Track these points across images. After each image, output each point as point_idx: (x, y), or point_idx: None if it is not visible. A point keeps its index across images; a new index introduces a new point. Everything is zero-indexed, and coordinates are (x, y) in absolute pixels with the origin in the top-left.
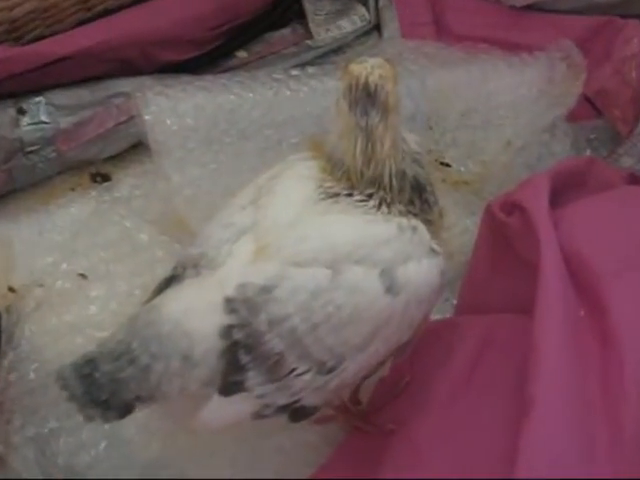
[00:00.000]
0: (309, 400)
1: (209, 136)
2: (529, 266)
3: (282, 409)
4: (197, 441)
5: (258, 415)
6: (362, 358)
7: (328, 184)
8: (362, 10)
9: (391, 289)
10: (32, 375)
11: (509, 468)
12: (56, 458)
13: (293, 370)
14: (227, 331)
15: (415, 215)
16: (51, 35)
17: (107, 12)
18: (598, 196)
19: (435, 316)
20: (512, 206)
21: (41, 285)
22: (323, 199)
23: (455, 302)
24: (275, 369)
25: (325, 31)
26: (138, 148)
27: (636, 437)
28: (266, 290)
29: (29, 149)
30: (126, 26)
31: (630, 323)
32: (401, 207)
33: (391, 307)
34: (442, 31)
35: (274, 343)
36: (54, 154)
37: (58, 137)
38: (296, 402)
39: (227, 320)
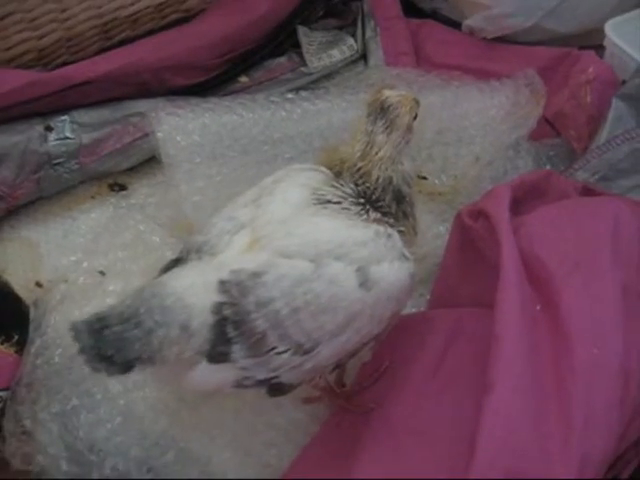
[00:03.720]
0: (286, 377)
1: (214, 151)
2: (492, 266)
3: (261, 382)
4: (200, 417)
5: (239, 384)
6: (335, 345)
7: (321, 192)
8: (351, 41)
9: (364, 284)
10: (56, 359)
11: (472, 441)
12: (77, 432)
13: (273, 348)
14: (218, 307)
15: (391, 225)
16: (75, 61)
17: (125, 41)
18: (554, 205)
19: (411, 310)
20: (478, 213)
21: (65, 281)
22: (315, 204)
23: (428, 297)
24: (257, 346)
25: (317, 59)
26: (151, 161)
27: (584, 415)
28: (256, 275)
29: (55, 161)
30: (142, 53)
31: (579, 317)
32: (379, 215)
33: (363, 301)
34: (422, 60)
35: (259, 322)
36: (77, 166)
37: (81, 151)
38: (274, 378)
39: (219, 298)
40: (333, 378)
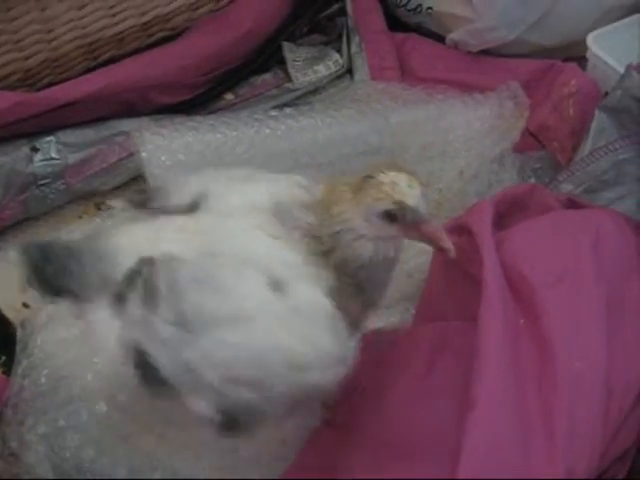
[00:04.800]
0: (163, 359)
1: (198, 170)
2: (475, 281)
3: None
4: (186, 436)
5: (126, 346)
6: (218, 340)
7: (286, 210)
8: (336, 56)
9: (275, 287)
10: (43, 380)
11: (456, 457)
12: (64, 453)
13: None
14: (139, 264)
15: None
16: (61, 82)
17: (111, 61)
18: (537, 219)
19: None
20: (461, 229)
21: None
22: (274, 215)
23: (413, 312)
24: (150, 301)
25: (303, 75)
26: (137, 180)
27: (567, 429)
28: (175, 260)
29: (41, 182)
30: (127, 73)
31: (562, 331)
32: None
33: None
34: (406, 74)
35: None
36: (63, 186)
37: (67, 171)
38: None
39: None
40: None
